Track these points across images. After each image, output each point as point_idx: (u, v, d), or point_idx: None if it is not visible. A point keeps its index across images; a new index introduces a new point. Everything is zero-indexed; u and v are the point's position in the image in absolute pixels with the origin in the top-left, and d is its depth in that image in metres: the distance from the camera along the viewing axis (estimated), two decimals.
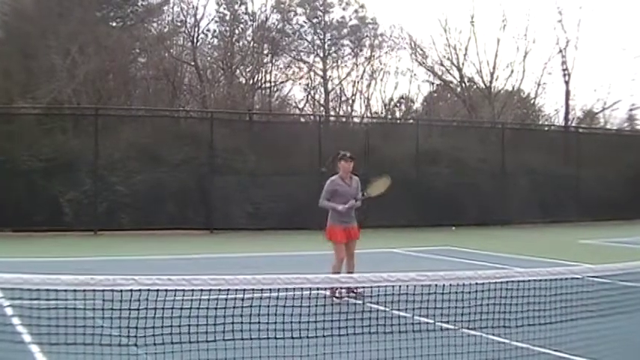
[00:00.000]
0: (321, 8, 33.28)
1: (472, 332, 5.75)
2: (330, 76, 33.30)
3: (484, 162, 25.59)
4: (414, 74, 34.31)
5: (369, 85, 33.66)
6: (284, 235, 20.12)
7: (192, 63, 29.51)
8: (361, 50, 33.79)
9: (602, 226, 23.67)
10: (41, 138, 20.79)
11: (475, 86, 33.64)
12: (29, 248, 16.22)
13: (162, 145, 21.98)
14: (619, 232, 20.78)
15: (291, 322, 4.88)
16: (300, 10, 33.00)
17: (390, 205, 19.42)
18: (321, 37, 33.28)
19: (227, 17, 31.01)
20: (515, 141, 27.35)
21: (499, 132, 27.48)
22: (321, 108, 33.05)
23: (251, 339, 4.57)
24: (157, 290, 4.21)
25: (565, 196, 26.11)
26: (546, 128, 34.25)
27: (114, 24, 27.93)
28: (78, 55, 23.59)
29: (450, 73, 33.32)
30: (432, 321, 5.33)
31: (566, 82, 32.80)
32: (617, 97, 48.86)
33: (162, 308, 4.56)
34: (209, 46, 31.70)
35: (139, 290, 4.18)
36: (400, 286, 4.83)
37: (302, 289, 4.59)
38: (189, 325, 4.54)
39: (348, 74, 33.43)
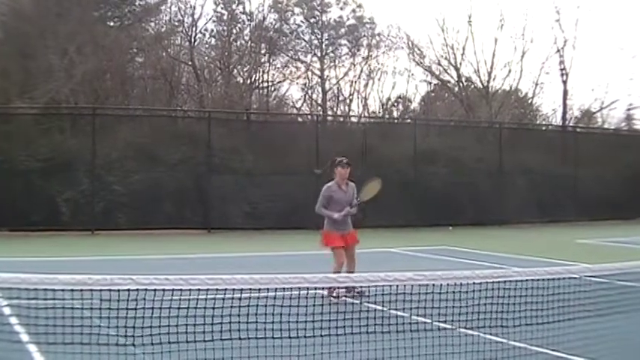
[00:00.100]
0: (319, 8, 33.27)
1: (470, 332, 5.74)
2: (327, 76, 33.37)
3: (482, 162, 25.61)
4: (412, 74, 34.46)
5: (366, 85, 33.77)
6: (281, 235, 20.11)
7: (190, 63, 29.53)
8: (359, 50, 33.83)
9: (599, 226, 23.68)
10: (39, 138, 20.78)
11: (473, 86, 33.67)
12: (27, 248, 16.19)
13: (160, 145, 21.96)
14: (617, 231, 20.80)
15: (289, 322, 4.87)
16: (297, 10, 33.03)
17: (388, 205, 19.46)
18: (319, 36, 33.27)
19: (224, 17, 31.04)
20: (513, 141, 27.35)
21: (497, 132, 27.46)
22: (319, 108, 33.06)
23: (248, 339, 4.57)
24: (155, 290, 4.20)
25: (563, 196, 26.13)
26: (544, 128, 34.29)
27: (111, 24, 27.89)
28: (75, 55, 23.56)
29: (448, 73, 33.37)
30: (429, 320, 5.33)
31: (564, 82, 32.85)
32: (614, 96, 49.01)
33: (160, 308, 4.56)
34: (206, 45, 31.75)
35: (137, 290, 4.17)
36: (398, 286, 4.82)
37: (299, 288, 4.60)
38: (186, 325, 4.53)
39: (346, 74, 33.51)
